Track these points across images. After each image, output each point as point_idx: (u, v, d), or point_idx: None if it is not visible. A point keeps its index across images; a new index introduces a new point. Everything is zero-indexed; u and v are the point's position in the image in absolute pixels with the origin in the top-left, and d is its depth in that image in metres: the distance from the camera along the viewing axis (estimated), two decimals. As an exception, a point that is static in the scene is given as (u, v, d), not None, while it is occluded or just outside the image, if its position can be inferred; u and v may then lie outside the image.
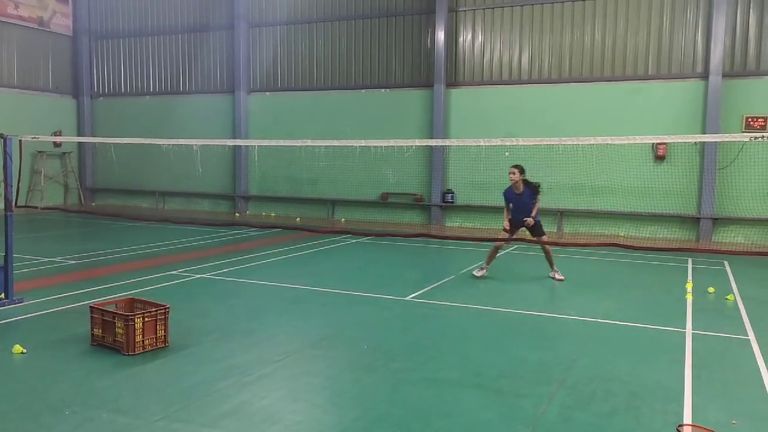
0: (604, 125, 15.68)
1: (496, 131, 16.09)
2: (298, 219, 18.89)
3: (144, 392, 4.91)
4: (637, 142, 10.96)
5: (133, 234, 14.51)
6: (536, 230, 9.86)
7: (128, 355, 5.68)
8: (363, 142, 8.59)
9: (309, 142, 9.49)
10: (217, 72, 21.28)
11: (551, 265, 9.90)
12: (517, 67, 17.25)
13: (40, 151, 21.25)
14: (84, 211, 20.28)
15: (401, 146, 16.93)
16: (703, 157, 15.18)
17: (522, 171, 9.67)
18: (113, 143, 20.42)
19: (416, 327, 7.17)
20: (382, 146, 16.31)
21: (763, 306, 8.39)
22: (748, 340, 6.71)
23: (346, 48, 19.34)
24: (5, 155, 7.53)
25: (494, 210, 15.33)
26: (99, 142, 22.40)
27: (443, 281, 9.70)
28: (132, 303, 6.33)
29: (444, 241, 13.95)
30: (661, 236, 15.50)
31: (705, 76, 15.28)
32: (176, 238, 13.76)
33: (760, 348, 6.36)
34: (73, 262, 10.80)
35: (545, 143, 9.58)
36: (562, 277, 9.77)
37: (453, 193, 17.82)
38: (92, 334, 6.02)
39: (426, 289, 9.02)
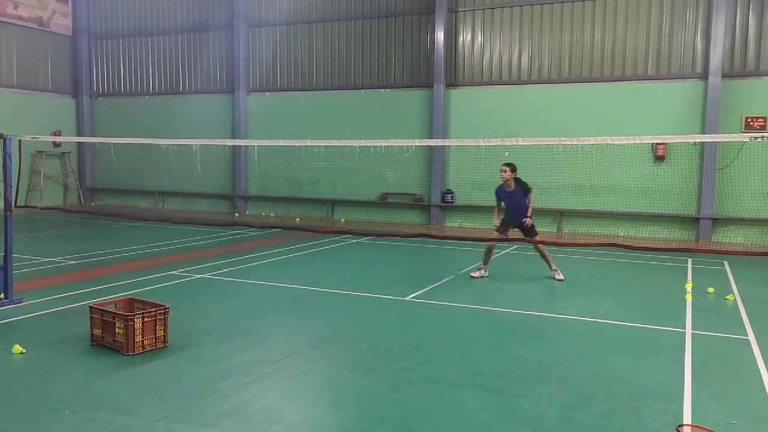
0: (603, 125, 15.67)
1: (495, 131, 16.07)
2: (297, 219, 18.88)
3: (143, 392, 4.91)
4: (636, 142, 10.97)
5: (132, 234, 14.50)
6: (529, 231, 9.88)
7: (128, 355, 5.68)
8: (363, 142, 8.61)
9: (308, 142, 9.52)
10: (217, 72, 21.28)
11: (549, 265, 9.90)
12: (516, 67, 17.24)
13: (39, 151, 21.24)
14: (83, 211, 20.27)
15: (401, 146, 16.91)
16: (702, 158, 15.18)
17: (514, 169, 9.73)
18: (113, 143, 20.43)
19: (416, 327, 7.17)
20: (381, 146, 16.28)
21: (763, 306, 8.39)
22: (748, 340, 6.71)
23: (345, 48, 19.34)
24: (5, 155, 7.52)
25: (494, 210, 15.27)
26: (98, 142, 22.41)
27: (443, 281, 9.70)
28: (131, 303, 6.33)
29: (443, 241, 13.95)
30: (660, 236, 15.49)
31: (705, 76, 15.28)
32: (176, 238, 13.75)
33: (759, 348, 6.36)
34: (73, 262, 10.80)
35: (545, 143, 9.62)
36: (562, 277, 9.77)
37: (453, 193, 17.81)
38: (92, 334, 6.02)
39: (426, 289, 9.02)
